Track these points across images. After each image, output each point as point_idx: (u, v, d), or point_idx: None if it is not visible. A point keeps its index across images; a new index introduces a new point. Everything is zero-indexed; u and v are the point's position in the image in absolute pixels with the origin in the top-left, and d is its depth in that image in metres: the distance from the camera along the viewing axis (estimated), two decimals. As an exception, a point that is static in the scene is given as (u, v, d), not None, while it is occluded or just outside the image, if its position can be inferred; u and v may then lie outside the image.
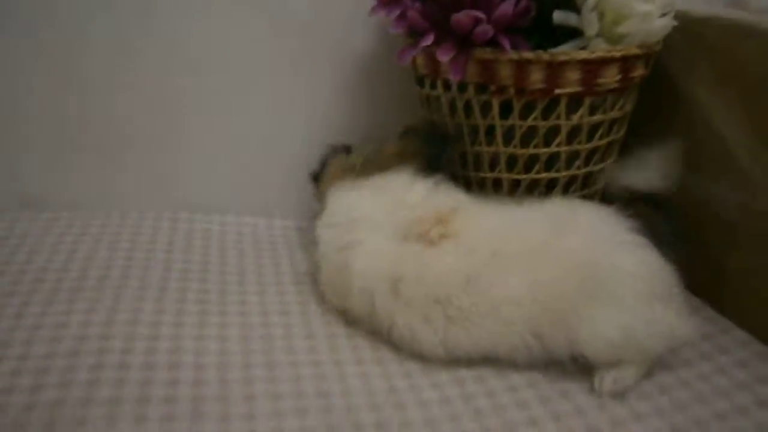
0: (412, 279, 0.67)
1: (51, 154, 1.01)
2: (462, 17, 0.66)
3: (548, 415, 0.64)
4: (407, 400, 0.65)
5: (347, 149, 0.87)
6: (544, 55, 0.68)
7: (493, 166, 0.76)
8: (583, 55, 0.67)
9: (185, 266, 0.91)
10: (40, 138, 0.99)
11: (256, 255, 0.96)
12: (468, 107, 0.75)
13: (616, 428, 0.62)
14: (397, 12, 0.70)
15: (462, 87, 0.74)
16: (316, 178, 0.90)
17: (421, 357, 0.69)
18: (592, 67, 0.67)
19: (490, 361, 0.68)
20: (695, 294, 0.73)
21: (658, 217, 0.64)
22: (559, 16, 0.68)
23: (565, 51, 0.67)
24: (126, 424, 0.61)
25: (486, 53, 0.70)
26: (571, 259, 0.63)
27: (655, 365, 0.69)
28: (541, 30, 0.69)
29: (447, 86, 0.76)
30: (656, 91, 0.73)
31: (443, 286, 0.66)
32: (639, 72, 0.72)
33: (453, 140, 0.76)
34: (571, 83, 0.68)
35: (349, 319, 0.75)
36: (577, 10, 0.67)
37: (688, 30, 0.70)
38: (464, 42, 0.69)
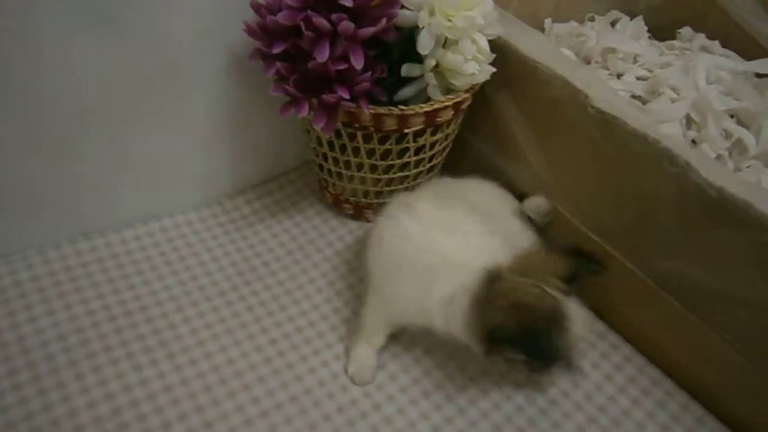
0: None
1: None
2: (330, 98, 0.70)
3: None
4: None
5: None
6: (395, 110, 0.75)
7: (359, 168, 0.85)
8: (425, 108, 0.76)
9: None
10: None
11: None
12: (338, 132, 0.80)
13: None
14: (272, 70, 0.72)
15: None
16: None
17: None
18: (432, 113, 0.77)
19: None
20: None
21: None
22: (406, 70, 0.77)
23: (412, 107, 0.75)
24: None
25: (351, 107, 0.73)
26: None
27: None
28: (390, 75, 0.76)
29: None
30: (476, 101, 0.84)
31: None
32: (466, 104, 0.82)
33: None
34: (416, 124, 0.78)
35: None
36: (419, 60, 0.75)
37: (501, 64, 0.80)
38: (335, 106, 0.72)
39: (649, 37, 1.06)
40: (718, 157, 0.85)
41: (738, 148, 0.88)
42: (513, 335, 0.65)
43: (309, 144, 0.88)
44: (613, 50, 0.99)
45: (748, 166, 0.85)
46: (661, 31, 1.09)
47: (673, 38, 1.07)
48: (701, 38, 1.06)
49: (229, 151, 0.90)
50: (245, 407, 0.70)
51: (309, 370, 0.74)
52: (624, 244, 0.76)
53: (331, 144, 0.82)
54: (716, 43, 1.04)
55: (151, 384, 0.71)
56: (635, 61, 0.98)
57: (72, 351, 0.72)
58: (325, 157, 0.85)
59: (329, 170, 0.87)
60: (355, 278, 0.85)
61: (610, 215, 0.77)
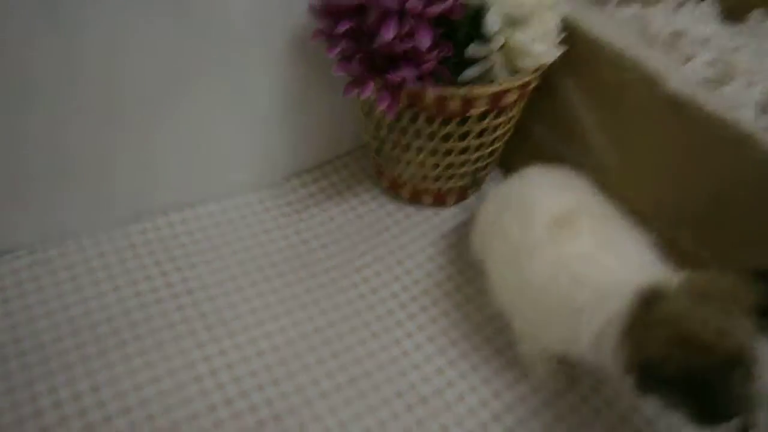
0: None
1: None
2: (395, 78, 0.69)
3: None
4: None
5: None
6: (460, 91, 0.73)
7: (419, 152, 0.83)
8: (491, 90, 0.73)
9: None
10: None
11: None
12: (399, 115, 0.78)
13: None
14: (335, 50, 0.71)
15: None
16: None
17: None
18: (497, 95, 0.75)
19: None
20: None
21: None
22: (472, 50, 0.72)
23: (477, 88, 0.73)
24: None
25: (414, 88, 0.72)
26: None
27: None
28: (455, 55, 0.73)
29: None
30: (538, 83, 0.81)
31: None
32: (532, 85, 0.79)
33: None
34: (481, 106, 0.75)
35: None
36: (485, 39, 0.72)
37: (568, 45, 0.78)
38: (399, 87, 0.70)
39: (720, 20, 1.02)
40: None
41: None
42: (675, 377, 0.50)
43: (367, 126, 0.87)
44: (680, 34, 0.95)
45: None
46: (730, 15, 1.04)
47: (743, 22, 1.03)
48: (774, 22, 1.01)
49: (286, 133, 0.90)
50: (305, 388, 0.70)
51: (368, 354, 0.74)
52: (697, 232, 0.73)
53: (390, 126, 0.81)
54: (790, 28, 0.99)
55: (214, 360, 0.71)
56: (704, 45, 0.94)
57: (137, 327, 0.74)
58: (383, 140, 0.84)
59: (387, 154, 0.86)
60: (414, 264, 0.84)
61: (683, 203, 0.74)
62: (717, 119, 0.66)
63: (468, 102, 0.73)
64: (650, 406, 0.70)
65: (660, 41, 0.96)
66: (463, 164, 0.84)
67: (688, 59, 0.93)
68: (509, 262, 0.68)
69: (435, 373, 0.73)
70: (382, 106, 0.70)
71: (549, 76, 0.81)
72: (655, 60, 0.73)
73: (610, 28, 0.78)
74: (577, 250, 0.62)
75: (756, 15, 1.03)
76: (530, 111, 0.86)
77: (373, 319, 0.77)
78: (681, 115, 0.69)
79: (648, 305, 0.53)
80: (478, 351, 0.75)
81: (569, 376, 0.72)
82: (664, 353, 0.51)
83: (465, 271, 0.83)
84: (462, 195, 0.92)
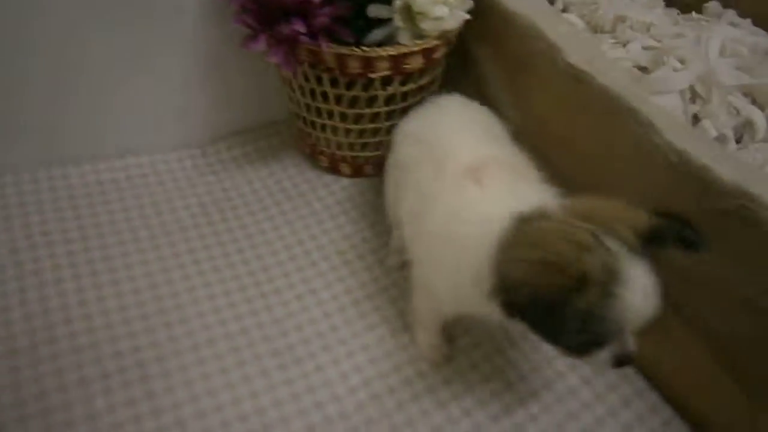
0: None
1: None
2: (283, 30, 0.69)
3: None
4: None
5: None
6: (359, 51, 0.72)
7: (330, 116, 0.82)
8: (391, 51, 0.73)
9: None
10: None
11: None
12: (306, 76, 0.78)
13: None
14: (235, 1, 0.71)
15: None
16: None
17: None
18: (398, 58, 0.74)
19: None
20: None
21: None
22: (373, 11, 0.74)
23: (376, 49, 0.72)
24: None
25: (312, 45, 0.71)
26: None
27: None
28: (359, 17, 0.74)
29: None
30: (459, 50, 0.82)
31: None
32: (440, 53, 0.78)
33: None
34: (382, 69, 0.74)
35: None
36: (388, 1, 0.73)
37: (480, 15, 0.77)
38: (293, 42, 0.70)
39: (666, 6, 0.99)
40: (721, 136, 0.78)
41: (749, 129, 0.80)
42: (527, 300, 0.48)
43: (285, 90, 0.86)
44: (624, 18, 0.93)
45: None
46: (687, 7, 1.01)
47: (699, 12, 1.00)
48: (730, 14, 0.98)
49: (208, 95, 0.89)
50: (179, 338, 0.70)
51: (251, 312, 0.73)
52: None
53: (302, 89, 0.80)
54: (748, 21, 0.96)
55: (90, 306, 0.71)
56: (648, 30, 0.92)
57: (23, 266, 0.74)
58: (299, 104, 0.84)
59: (304, 119, 0.85)
60: (320, 230, 0.83)
61: (578, 174, 0.71)
62: (604, 91, 0.64)
63: (368, 63, 0.72)
64: (542, 375, 0.69)
65: (604, 26, 0.93)
66: (375, 132, 0.83)
67: (626, 44, 0.91)
68: (417, 212, 0.64)
69: (315, 336, 0.72)
70: (273, 60, 0.69)
71: (467, 46, 0.79)
72: (563, 32, 0.71)
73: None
74: (475, 195, 0.58)
75: (711, 7, 1.00)
76: (449, 81, 0.84)
77: (264, 279, 0.77)
78: (576, 87, 0.67)
79: (522, 227, 0.50)
80: (363, 319, 0.73)
81: (447, 352, 0.70)
82: (521, 274, 0.48)
83: (370, 240, 0.82)
84: (380, 166, 0.90)
